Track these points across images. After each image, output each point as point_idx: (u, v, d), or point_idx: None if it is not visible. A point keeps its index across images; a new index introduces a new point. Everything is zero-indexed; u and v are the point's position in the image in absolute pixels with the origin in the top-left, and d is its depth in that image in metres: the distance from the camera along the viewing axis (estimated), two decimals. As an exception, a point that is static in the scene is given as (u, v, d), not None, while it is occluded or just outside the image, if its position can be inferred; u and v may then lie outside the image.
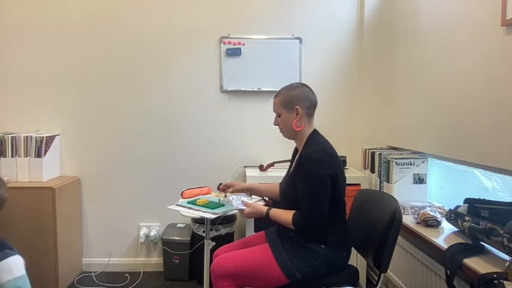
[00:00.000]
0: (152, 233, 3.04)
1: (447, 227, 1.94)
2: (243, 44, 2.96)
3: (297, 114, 1.77)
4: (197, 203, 2.12)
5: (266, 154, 2.98)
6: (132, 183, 3.05)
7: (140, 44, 2.98)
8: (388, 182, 2.43)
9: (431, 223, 1.98)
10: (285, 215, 1.74)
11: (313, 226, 1.67)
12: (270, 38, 2.97)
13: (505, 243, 1.45)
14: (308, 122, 1.81)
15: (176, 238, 2.89)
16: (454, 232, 1.87)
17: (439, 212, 2.06)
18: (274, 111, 1.84)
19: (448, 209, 1.97)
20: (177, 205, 2.12)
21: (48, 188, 2.63)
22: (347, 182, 1.82)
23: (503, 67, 1.69)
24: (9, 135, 2.77)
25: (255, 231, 2.50)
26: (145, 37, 2.97)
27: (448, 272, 1.62)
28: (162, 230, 3.01)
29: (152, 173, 3.06)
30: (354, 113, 3.05)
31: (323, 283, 1.71)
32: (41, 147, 2.76)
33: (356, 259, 2.43)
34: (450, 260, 1.61)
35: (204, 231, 2.52)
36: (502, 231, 1.47)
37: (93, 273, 2.99)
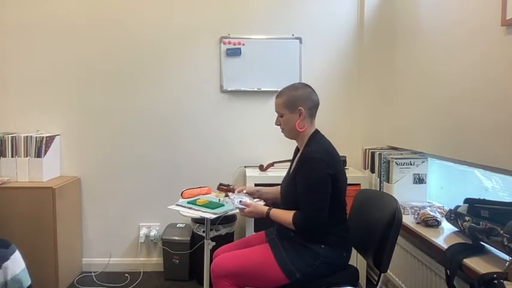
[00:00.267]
0: (152, 233, 3.04)
1: (447, 227, 1.94)
2: (243, 44, 2.96)
3: (300, 115, 1.76)
4: (197, 203, 2.11)
5: (266, 154, 2.98)
6: (132, 183, 3.05)
7: (140, 44, 2.98)
8: (388, 182, 2.43)
9: (431, 223, 1.98)
10: (285, 215, 1.73)
11: (313, 226, 1.67)
12: (270, 38, 2.97)
13: (505, 243, 1.45)
14: (310, 123, 1.80)
15: (176, 238, 2.89)
16: (454, 232, 1.87)
17: (439, 212, 2.06)
18: (276, 112, 1.83)
19: (448, 209, 1.97)
20: (177, 205, 2.12)
21: (48, 188, 2.63)
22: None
23: (503, 67, 1.69)
24: (9, 135, 2.77)
25: (255, 231, 2.50)
26: (145, 37, 2.97)
27: (448, 272, 1.62)
28: (162, 230, 3.01)
29: (152, 173, 3.06)
30: (354, 113, 3.05)
31: (323, 283, 1.71)
32: (41, 147, 2.76)
33: (356, 259, 2.43)
34: (450, 260, 1.61)
35: (204, 231, 2.52)
36: (502, 231, 1.47)
37: (93, 273, 2.99)
